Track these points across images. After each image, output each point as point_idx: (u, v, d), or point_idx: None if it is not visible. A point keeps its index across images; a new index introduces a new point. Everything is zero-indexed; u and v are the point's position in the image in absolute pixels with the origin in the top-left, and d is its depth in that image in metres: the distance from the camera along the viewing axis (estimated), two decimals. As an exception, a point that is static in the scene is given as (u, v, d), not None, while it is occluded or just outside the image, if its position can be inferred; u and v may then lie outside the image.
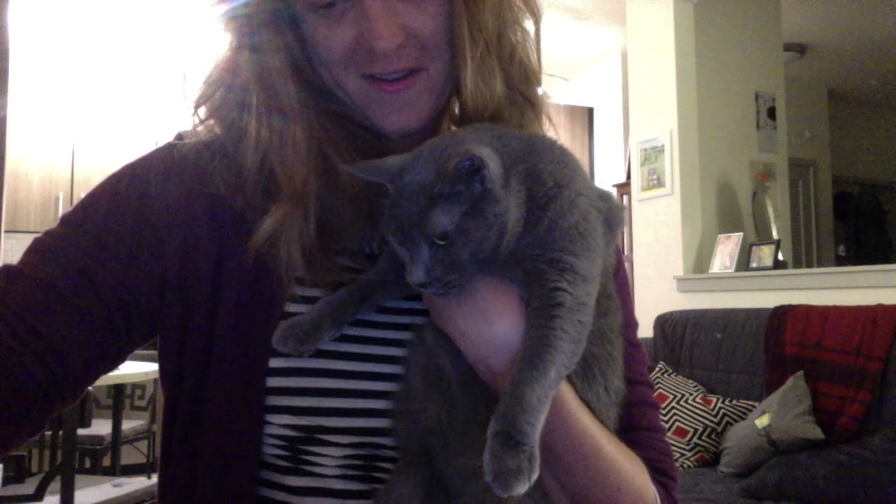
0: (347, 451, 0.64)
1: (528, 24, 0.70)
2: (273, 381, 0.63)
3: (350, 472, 0.64)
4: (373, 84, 0.64)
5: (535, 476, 0.50)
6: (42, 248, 0.65)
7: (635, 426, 0.71)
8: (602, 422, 0.62)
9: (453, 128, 0.73)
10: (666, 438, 0.75)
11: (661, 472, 0.71)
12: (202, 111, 0.69)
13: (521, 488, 0.49)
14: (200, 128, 0.70)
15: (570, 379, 0.59)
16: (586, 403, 0.61)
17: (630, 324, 0.73)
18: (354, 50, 0.63)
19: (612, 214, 0.62)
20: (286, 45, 0.65)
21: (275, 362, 0.63)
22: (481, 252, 0.55)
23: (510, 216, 0.55)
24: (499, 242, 0.55)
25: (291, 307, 0.66)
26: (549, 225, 0.57)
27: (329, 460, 0.64)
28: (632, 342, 0.73)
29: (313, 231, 0.65)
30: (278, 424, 0.63)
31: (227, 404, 0.64)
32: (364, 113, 0.67)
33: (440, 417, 0.61)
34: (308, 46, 0.66)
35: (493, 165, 0.54)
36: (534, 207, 0.57)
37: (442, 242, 0.54)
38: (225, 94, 0.67)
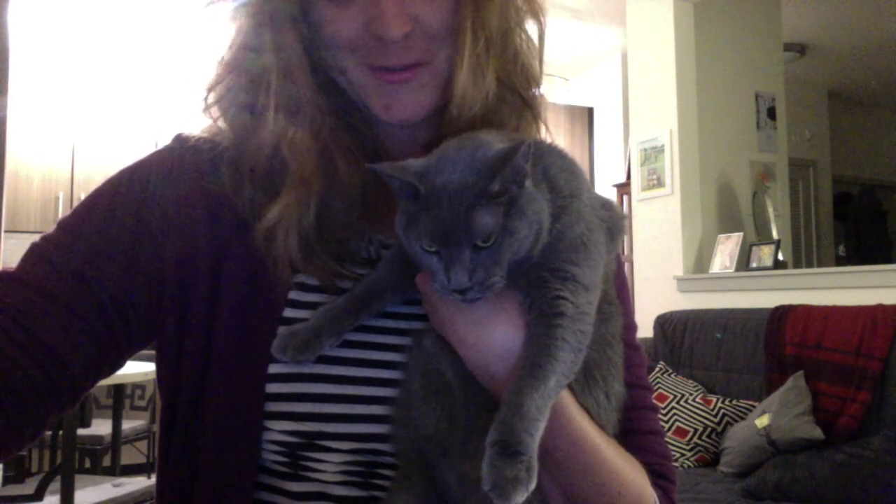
0: (347, 457, 0.64)
1: (534, 31, 0.70)
2: (272, 387, 0.63)
3: (350, 478, 0.64)
4: (376, 74, 0.63)
5: (532, 486, 0.50)
6: (39, 254, 0.64)
7: (635, 430, 0.71)
8: (602, 427, 0.62)
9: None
10: (665, 441, 0.75)
11: (660, 475, 0.71)
12: (211, 96, 0.67)
13: (519, 498, 0.49)
14: (205, 116, 0.68)
15: (570, 384, 0.59)
16: (586, 409, 0.61)
17: (629, 326, 0.73)
18: (361, 37, 0.62)
19: (614, 223, 0.63)
20: (303, 35, 0.64)
21: (274, 368, 0.63)
22: (520, 252, 0.54)
23: (545, 214, 0.55)
24: (536, 242, 0.54)
25: (291, 312, 0.66)
26: (556, 235, 0.56)
27: (329, 466, 0.64)
28: (631, 345, 0.72)
29: (312, 219, 0.64)
30: (278, 430, 0.63)
31: (225, 410, 0.64)
32: (364, 102, 0.66)
33: (440, 424, 0.61)
34: (314, 31, 0.64)
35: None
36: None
37: (485, 244, 0.53)
38: (237, 79, 0.66)
